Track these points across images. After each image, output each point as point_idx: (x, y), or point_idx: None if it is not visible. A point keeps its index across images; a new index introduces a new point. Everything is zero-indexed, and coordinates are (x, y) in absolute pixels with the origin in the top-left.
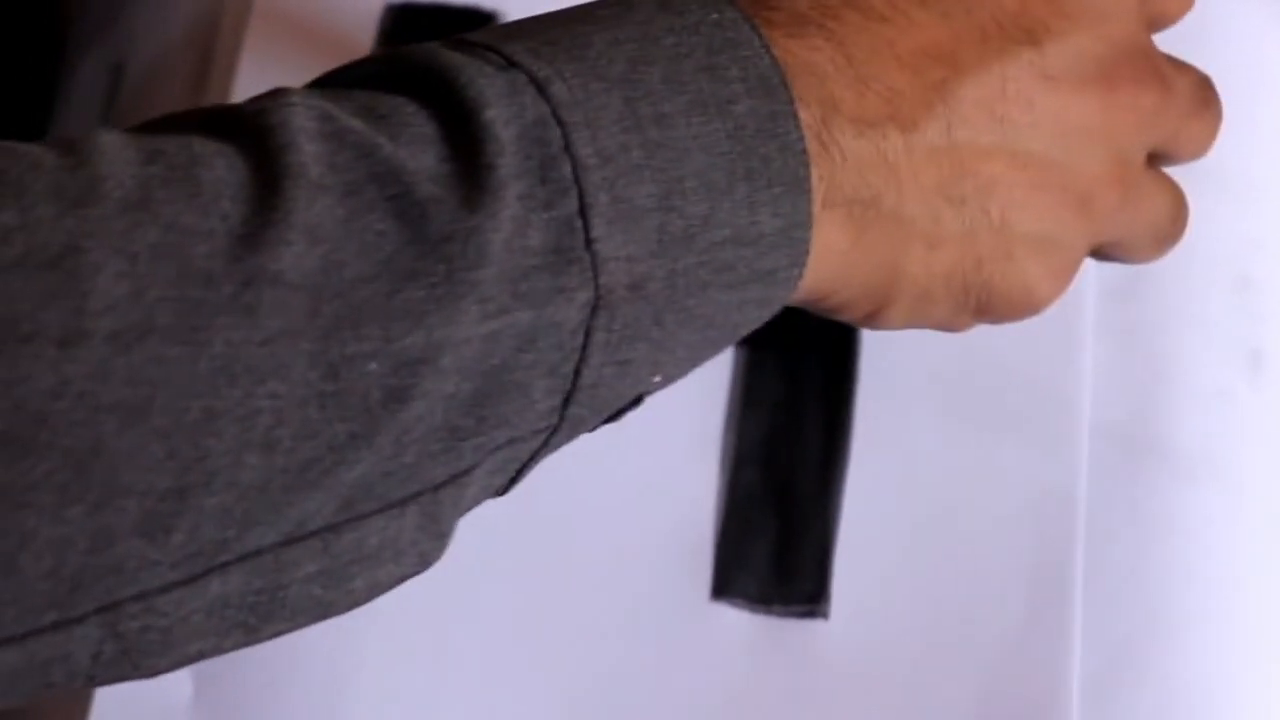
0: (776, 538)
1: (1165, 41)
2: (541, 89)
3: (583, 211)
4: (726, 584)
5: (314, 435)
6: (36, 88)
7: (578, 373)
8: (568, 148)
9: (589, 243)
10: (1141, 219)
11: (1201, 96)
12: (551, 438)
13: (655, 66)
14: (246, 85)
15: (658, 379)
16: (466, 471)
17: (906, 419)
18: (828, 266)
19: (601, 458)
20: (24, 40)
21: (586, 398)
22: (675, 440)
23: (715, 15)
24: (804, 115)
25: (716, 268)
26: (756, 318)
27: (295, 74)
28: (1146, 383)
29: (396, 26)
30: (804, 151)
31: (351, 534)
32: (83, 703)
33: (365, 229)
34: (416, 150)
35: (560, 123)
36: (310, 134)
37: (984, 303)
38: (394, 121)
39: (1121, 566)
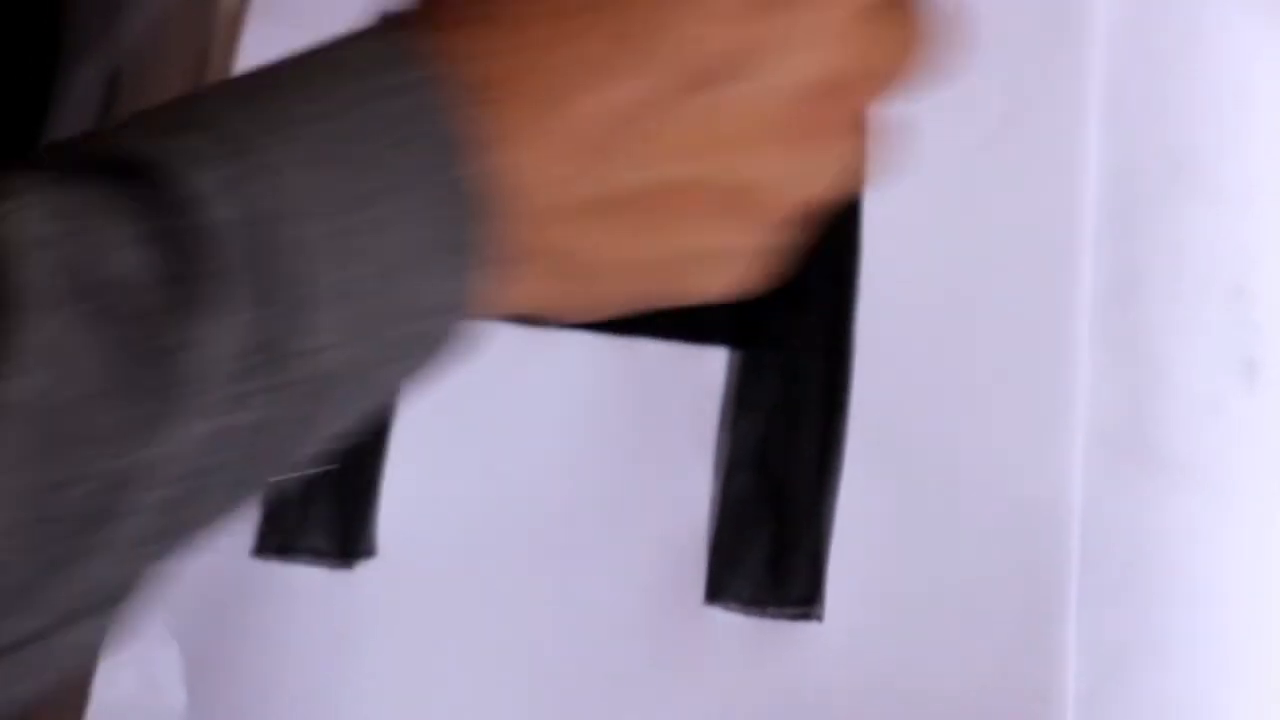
0: (770, 541)
1: (1165, 58)
2: (256, 178)
3: (302, 303)
4: (720, 588)
5: (29, 560)
6: (32, 95)
7: (277, 457)
8: (286, 239)
9: (300, 336)
10: (829, 179)
11: (905, 54)
12: (234, 517)
13: (360, 143)
14: None
15: (329, 444)
16: (165, 565)
17: (900, 422)
18: (512, 311)
19: (595, 462)
20: (20, 47)
21: (279, 478)
22: (669, 444)
23: (413, 77)
24: (493, 181)
25: (411, 341)
26: (419, 377)
27: None
28: (1141, 391)
29: None
30: (490, 219)
31: (62, 638)
32: (76, 712)
33: (84, 348)
34: (136, 254)
35: (278, 213)
36: (29, 247)
37: (674, 303)
38: (111, 222)
39: (1116, 573)
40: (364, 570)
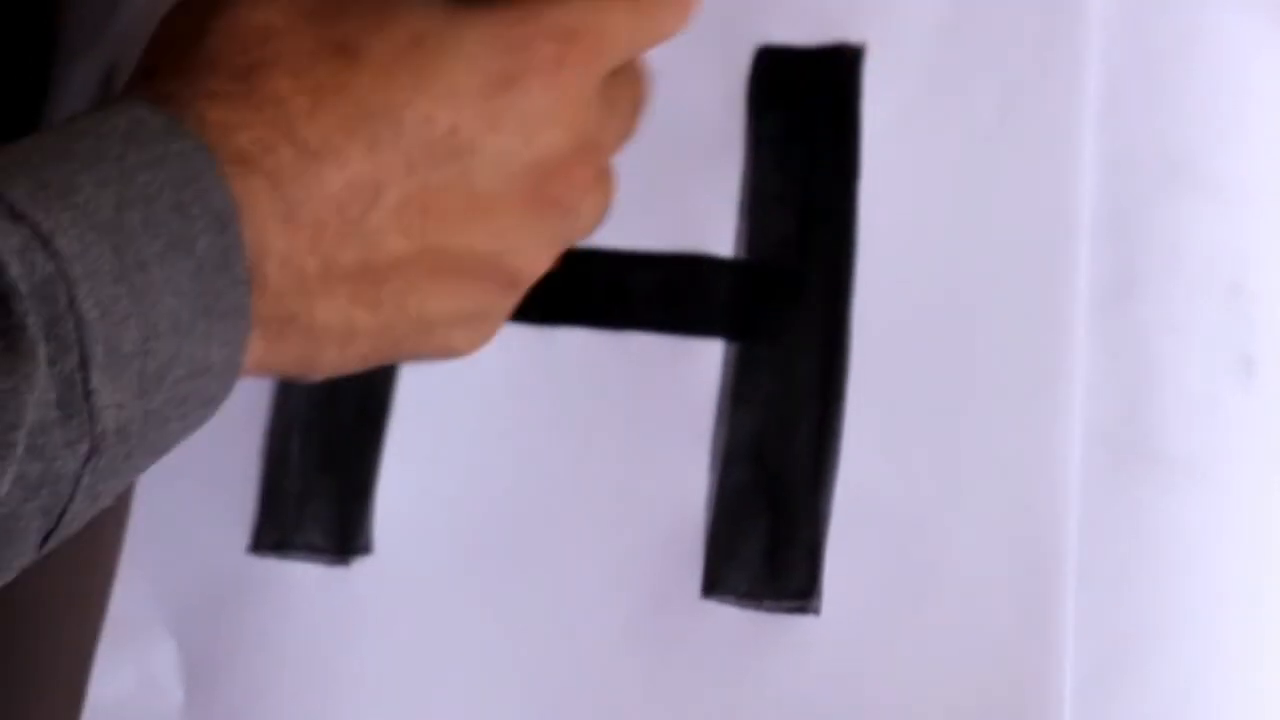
0: (767, 534)
1: (1161, 55)
2: (46, 243)
3: (83, 364)
4: (717, 581)
5: None
6: (28, 92)
7: (63, 513)
8: (72, 303)
9: (88, 394)
10: (578, 238)
11: (635, 114)
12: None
13: (135, 209)
14: None
15: (107, 503)
16: None
17: (898, 418)
18: (265, 372)
19: (591, 456)
20: (16, 44)
21: (63, 532)
22: (666, 438)
23: (177, 146)
24: (245, 250)
25: (178, 402)
26: (186, 438)
27: None
28: (1138, 388)
29: None
30: (249, 285)
31: None
32: (73, 711)
33: None
34: None
35: (65, 278)
36: None
37: (407, 361)
38: None
39: (1114, 569)
40: (360, 567)
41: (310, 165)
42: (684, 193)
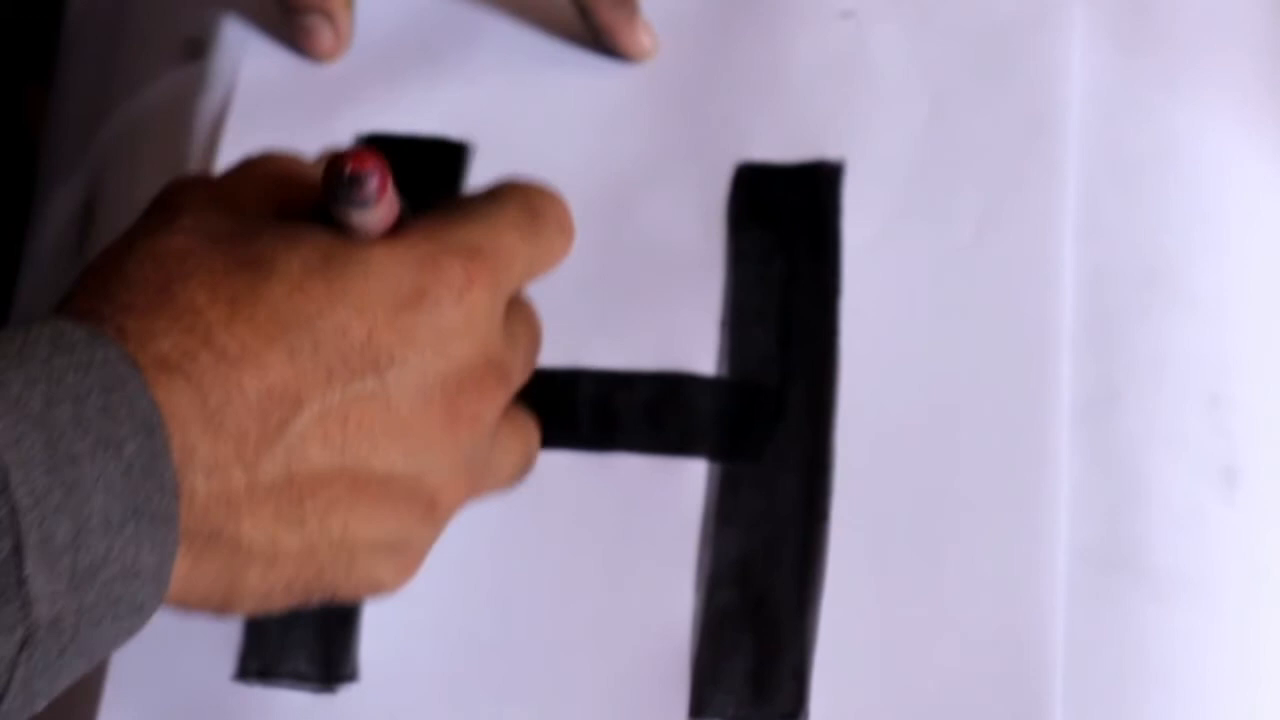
0: (753, 656)
1: (1138, 168)
2: None
3: (17, 550)
4: (704, 705)
5: None
6: (8, 221)
7: (19, 700)
8: (6, 488)
9: (21, 581)
10: (499, 482)
11: (532, 359)
12: None
13: (64, 406)
14: None
15: (42, 705)
16: None
17: (882, 536)
18: (192, 599)
19: (575, 580)
20: None
21: None
22: (650, 560)
23: (101, 354)
24: (170, 458)
25: (111, 602)
26: (119, 645)
27: None
28: (1121, 501)
29: None
30: (176, 493)
31: None
32: None
33: None
34: None
35: (0, 465)
36: None
37: (331, 597)
38: None
39: (1100, 684)
40: (346, 694)
41: (230, 371)
42: (665, 310)
